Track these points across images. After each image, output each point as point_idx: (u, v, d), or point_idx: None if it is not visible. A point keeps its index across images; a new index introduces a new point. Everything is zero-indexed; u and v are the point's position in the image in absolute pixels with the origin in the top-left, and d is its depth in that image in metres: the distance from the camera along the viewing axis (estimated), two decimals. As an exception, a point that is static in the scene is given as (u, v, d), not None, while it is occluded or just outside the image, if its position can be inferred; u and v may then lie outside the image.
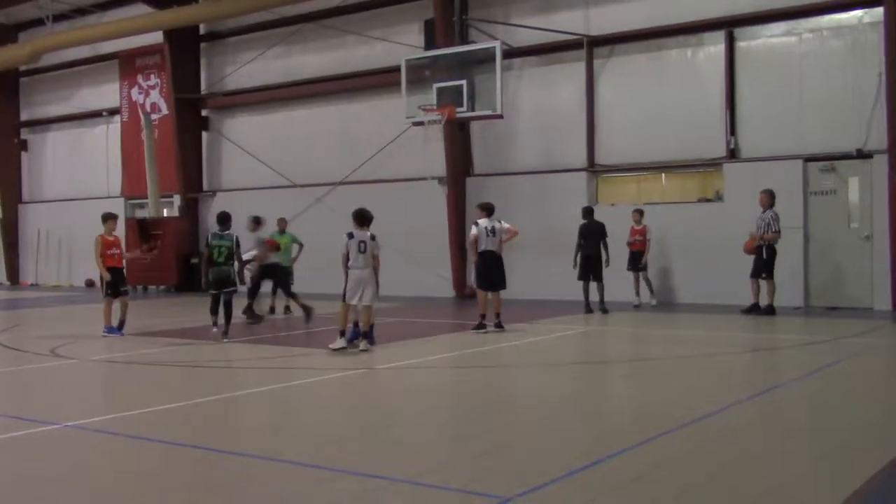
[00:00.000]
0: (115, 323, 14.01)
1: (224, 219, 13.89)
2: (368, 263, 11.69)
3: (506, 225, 13.97)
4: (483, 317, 13.72)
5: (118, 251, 14.21)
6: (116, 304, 14.07)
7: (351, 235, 11.70)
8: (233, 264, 13.67)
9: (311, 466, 6.05)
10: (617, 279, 16.73)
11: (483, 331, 13.53)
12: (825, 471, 5.90)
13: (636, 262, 17.32)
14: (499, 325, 13.75)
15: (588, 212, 16.68)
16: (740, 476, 5.73)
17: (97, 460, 6.50)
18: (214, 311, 13.53)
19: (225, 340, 13.17)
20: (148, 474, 6.01)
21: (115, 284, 13.94)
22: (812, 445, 6.60)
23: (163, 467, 6.23)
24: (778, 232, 15.33)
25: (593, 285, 16.30)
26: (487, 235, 13.65)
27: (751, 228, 15.58)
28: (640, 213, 17.44)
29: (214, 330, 13.44)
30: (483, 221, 13.77)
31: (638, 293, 17.38)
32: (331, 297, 15.69)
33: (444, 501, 5.27)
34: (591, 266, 16.26)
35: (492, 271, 13.76)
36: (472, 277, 14.32)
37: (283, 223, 17.58)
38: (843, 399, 8.45)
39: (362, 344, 11.64)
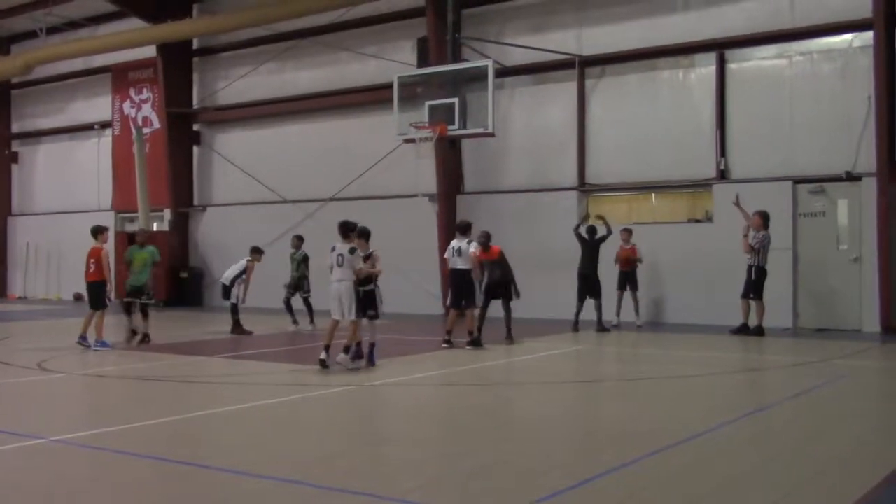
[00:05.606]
0: (90, 335, 13.97)
1: (298, 240, 17.75)
2: (346, 277, 11.56)
3: (471, 249, 13.96)
4: (448, 333, 13.99)
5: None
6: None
7: (333, 248, 11.70)
8: (301, 273, 17.27)
9: (297, 483, 6.02)
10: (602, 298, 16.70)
11: (447, 346, 13.80)
12: (817, 490, 5.89)
13: (626, 281, 17.29)
14: (471, 343, 13.73)
15: (587, 230, 16.57)
16: (731, 496, 5.73)
17: (81, 474, 6.45)
18: (290, 310, 17.19)
19: (311, 328, 16.81)
20: (133, 489, 5.97)
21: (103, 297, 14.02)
22: (803, 465, 6.59)
23: (148, 482, 6.18)
24: (757, 251, 15.30)
25: (588, 305, 16.26)
26: (453, 255, 14.00)
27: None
28: (628, 232, 17.40)
29: (292, 328, 17.03)
30: (454, 242, 14.22)
31: (618, 313, 17.22)
32: (321, 314, 15.77)
33: (431, 520, 5.24)
34: (584, 285, 16.30)
35: (458, 290, 14.05)
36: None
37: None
38: (832, 420, 8.45)
39: (351, 363, 11.57)
